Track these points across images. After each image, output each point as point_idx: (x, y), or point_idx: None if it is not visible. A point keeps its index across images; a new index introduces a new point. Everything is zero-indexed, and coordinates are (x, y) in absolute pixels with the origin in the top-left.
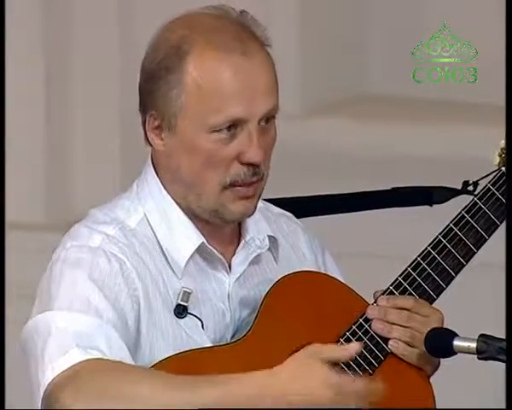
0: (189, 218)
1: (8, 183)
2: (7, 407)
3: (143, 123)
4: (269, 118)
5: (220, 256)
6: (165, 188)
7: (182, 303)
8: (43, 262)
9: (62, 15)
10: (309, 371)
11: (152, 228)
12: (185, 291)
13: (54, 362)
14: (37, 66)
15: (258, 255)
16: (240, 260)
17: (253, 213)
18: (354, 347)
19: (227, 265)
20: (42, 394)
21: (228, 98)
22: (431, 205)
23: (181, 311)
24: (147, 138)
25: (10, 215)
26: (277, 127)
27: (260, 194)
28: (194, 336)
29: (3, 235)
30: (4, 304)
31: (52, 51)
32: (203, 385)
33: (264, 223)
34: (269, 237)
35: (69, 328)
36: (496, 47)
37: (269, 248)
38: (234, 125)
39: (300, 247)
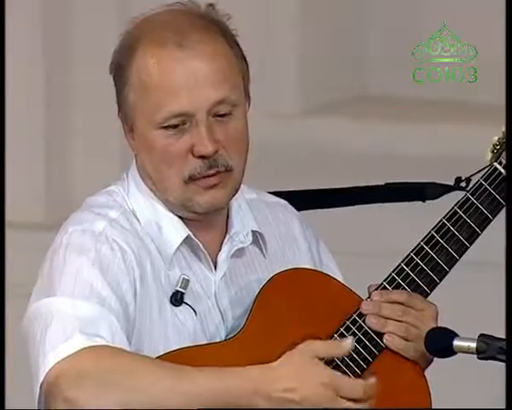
0: (175, 213)
1: (8, 182)
2: (7, 407)
3: (123, 127)
4: (225, 113)
5: (205, 251)
6: (147, 187)
7: (180, 290)
8: (42, 261)
9: (62, 15)
10: (304, 369)
11: (140, 223)
12: (184, 278)
13: (56, 347)
14: (37, 66)
15: (242, 250)
16: (224, 255)
17: (225, 204)
18: (348, 343)
19: (211, 261)
20: (42, 379)
21: (167, 93)
22: (424, 201)
23: (178, 298)
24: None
25: (10, 215)
26: (277, 126)
27: (235, 187)
28: (189, 324)
29: (3, 234)
30: (4, 303)
31: (52, 51)
32: (200, 377)
33: (250, 218)
34: (254, 231)
35: (72, 314)
36: (496, 47)
37: (256, 244)
38: (182, 119)
39: (295, 235)
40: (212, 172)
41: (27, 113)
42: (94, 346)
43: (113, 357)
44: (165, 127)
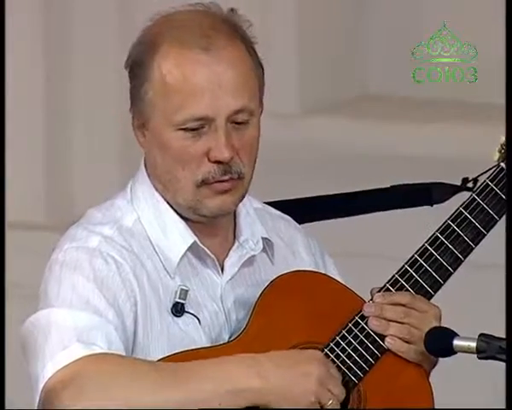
0: (182, 217)
1: (8, 183)
2: (7, 407)
3: (132, 122)
4: (242, 121)
5: (212, 256)
6: (155, 188)
7: (179, 301)
8: (43, 262)
9: (62, 15)
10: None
11: (145, 229)
12: (182, 289)
13: (55, 357)
14: (37, 66)
15: (252, 257)
16: (232, 261)
17: (232, 210)
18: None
19: (219, 265)
20: (41, 388)
21: (190, 95)
22: (431, 205)
23: (178, 309)
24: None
25: (10, 215)
26: (276, 126)
27: (243, 193)
28: (192, 334)
29: (3, 235)
30: (4, 304)
31: (52, 51)
32: (201, 370)
33: (258, 225)
34: (263, 238)
35: (70, 324)
36: (496, 47)
37: (264, 250)
38: (201, 123)
39: (298, 249)
40: (225, 178)
41: (27, 113)
42: (92, 354)
43: (113, 365)
44: (184, 129)
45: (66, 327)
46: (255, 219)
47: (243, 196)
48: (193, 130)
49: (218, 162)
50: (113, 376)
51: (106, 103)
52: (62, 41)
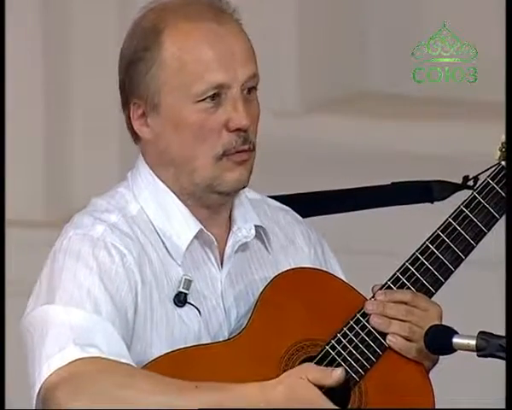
0: (186, 205)
1: (8, 181)
2: (7, 407)
3: (128, 118)
4: (250, 88)
5: (216, 243)
6: (158, 177)
7: (183, 291)
8: (42, 259)
9: (62, 15)
10: (296, 391)
11: (149, 218)
12: (186, 279)
13: (50, 359)
14: (37, 66)
15: (245, 245)
16: (229, 251)
17: (247, 184)
18: (339, 374)
19: (219, 256)
20: (37, 390)
21: (207, 64)
22: (432, 202)
23: (181, 299)
24: (134, 133)
25: (10, 213)
26: (277, 124)
27: (252, 168)
28: (192, 324)
29: (3, 232)
30: (4, 302)
31: (52, 51)
32: (191, 391)
33: (252, 214)
34: (257, 226)
35: (66, 323)
36: (496, 47)
37: (259, 239)
38: (218, 93)
39: (298, 240)
40: (246, 147)
41: (27, 112)
42: (86, 358)
43: (106, 371)
44: (203, 99)
45: (63, 327)
46: (249, 208)
47: (251, 172)
48: (212, 99)
49: (238, 130)
50: (106, 378)
51: (105, 102)
52: (62, 41)
